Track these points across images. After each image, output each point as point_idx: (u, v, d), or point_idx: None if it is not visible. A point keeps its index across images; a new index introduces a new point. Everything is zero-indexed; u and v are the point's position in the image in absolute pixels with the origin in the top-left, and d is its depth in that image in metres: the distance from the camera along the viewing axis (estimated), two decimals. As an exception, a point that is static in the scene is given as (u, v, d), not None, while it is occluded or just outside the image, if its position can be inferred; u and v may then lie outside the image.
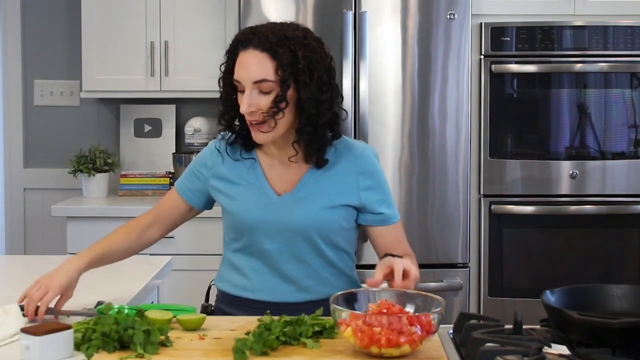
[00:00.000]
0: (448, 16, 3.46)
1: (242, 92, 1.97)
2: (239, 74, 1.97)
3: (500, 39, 3.58)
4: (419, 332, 1.60)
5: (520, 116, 3.67)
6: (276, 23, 2.03)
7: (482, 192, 3.62)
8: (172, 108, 4.17)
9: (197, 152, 3.86)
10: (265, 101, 1.95)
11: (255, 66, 1.94)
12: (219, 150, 2.14)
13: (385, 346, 1.59)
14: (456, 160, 3.50)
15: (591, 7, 3.63)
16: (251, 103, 1.95)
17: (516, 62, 3.59)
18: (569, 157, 3.63)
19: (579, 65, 3.60)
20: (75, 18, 3.98)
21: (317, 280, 2.07)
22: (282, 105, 1.95)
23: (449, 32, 3.47)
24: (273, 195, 2.06)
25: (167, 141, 4.16)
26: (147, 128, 4.16)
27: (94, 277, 2.35)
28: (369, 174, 2.08)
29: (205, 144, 3.86)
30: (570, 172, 3.61)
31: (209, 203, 2.20)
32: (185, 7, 3.88)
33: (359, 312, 1.65)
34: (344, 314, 1.64)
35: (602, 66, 3.60)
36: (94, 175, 3.94)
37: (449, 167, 3.50)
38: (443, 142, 3.50)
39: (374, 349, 1.61)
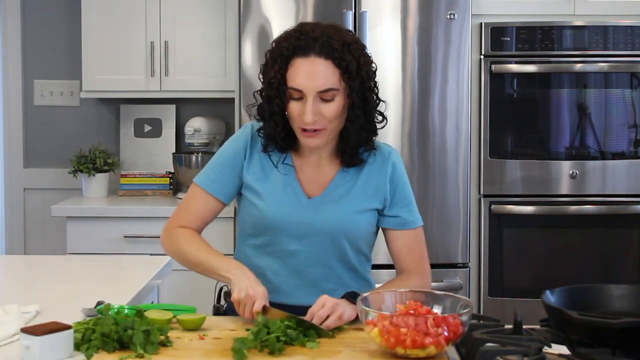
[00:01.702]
0: (448, 16, 3.46)
1: (297, 99, 1.92)
2: (301, 82, 1.90)
3: (500, 39, 3.58)
4: (446, 334, 1.60)
5: (520, 116, 3.67)
6: (327, 25, 1.98)
7: (482, 192, 3.62)
8: (172, 108, 4.17)
9: (197, 152, 3.92)
10: (329, 109, 1.91)
11: (321, 74, 1.89)
12: (252, 143, 2.06)
13: (410, 347, 1.60)
14: (456, 160, 3.50)
15: (591, 7, 3.62)
16: (315, 112, 1.90)
17: (516, 62, 3.59)
18: (569, 157, 3.63)
19: (579, 65, 3.60)
20: (75, 18, 3.98)
21: (337, 284, 2.04)
22: (353, 113, 1.93)
23: (449, 32, 3.47)
24: (303, 197, 2.03)
25: (167, 141, 4.16)
26: (147, 128, 4.15)
27: (94, 277, 2.36)
28: (394, 178, 2.07)
29: (206, 144, 3.94)
30: (570, 172, 3.61)
31: (234, 195, 2.10)
32: (185, 7, 3.88)
33: (386, 313, 1.65)
34: (371, 314, 1.65)
35: (602, 66, 3.60)
36: (94, 175, 3.93)
37: (449, 167, 3.50)
38: (443, 142, 3.50)
39: (400, 350, 1.61)
